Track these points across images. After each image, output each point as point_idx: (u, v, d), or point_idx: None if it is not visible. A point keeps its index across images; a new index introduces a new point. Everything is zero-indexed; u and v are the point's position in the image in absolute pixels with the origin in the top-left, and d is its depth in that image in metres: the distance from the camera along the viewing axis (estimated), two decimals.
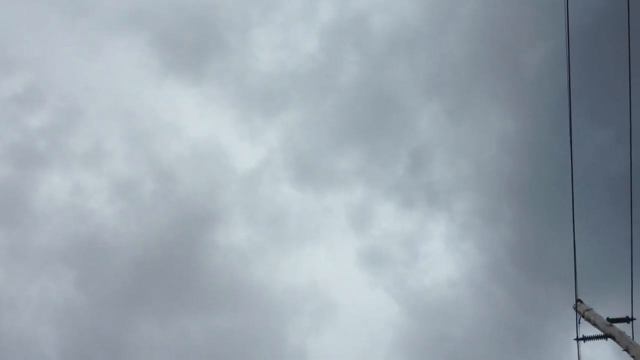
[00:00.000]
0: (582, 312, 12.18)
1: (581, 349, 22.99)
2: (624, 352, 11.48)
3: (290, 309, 28.56)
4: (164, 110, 29.62)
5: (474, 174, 28.52)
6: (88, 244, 28.08)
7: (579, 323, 12.36)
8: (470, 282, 27.52)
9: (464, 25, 28.37)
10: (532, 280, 25.49)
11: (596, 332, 12.87)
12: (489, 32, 27.54)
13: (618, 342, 11.35)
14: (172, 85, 29.51)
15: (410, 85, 29.28)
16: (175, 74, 29.45)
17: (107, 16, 29.64)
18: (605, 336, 11.97)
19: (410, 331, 27.63)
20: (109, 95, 29.71)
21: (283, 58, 29.73)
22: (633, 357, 10.68)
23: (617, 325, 11.82)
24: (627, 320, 11.85)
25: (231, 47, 29.62)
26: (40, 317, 27.01)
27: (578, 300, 12.28)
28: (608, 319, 11.88)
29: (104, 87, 29.63)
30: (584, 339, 12.52)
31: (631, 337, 11.20)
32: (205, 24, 29.61)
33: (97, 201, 28.64)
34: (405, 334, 27.61)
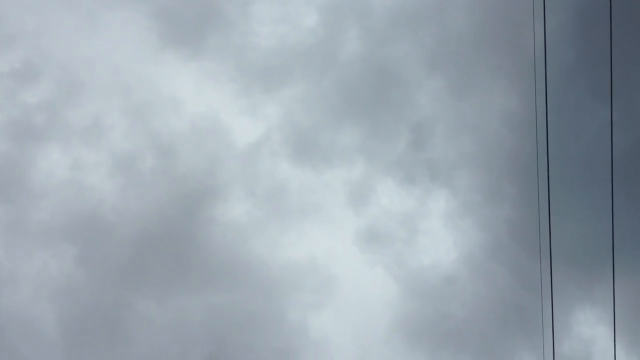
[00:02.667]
0: None
1: (582, 328, 22.99)
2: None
3: (290, 285, 28.57)
4: (163, 84, 29.33)
5: (476, 150, 28.29)
6: (88, 220, 28.05)
7: None
8: (470, 260, 27.42)
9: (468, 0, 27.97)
10: (533, 259, 25.33)
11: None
12: (493, 7, 27.14)
13: None
14: (171, 60, 29.19)
15: (412, 60, 28.92)
16: (175, 48, 29.14)
17: None
18: None
19: (409, 310, 27.61)
20: (108, 70, 29.47)
21: (283, 33, 29.38)
22: None
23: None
24: None
25: (231, 22, 29.27)
26: (40, 294, 27.09)
27: None
28: None
29: (103, 61, 29.34)
30: None
31: None
32: None
33: (96, 176, 28.56)
34: (405, 313, 27.59)
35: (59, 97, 28.58)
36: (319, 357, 27.53)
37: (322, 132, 29.33)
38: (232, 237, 28.59)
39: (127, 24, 29.04)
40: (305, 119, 29.30)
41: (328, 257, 28.60)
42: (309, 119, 29.32)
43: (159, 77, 29.33)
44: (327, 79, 29.37)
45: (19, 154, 28.12)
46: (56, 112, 28.50)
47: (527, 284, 25.55)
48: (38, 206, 27.79)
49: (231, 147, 29.08)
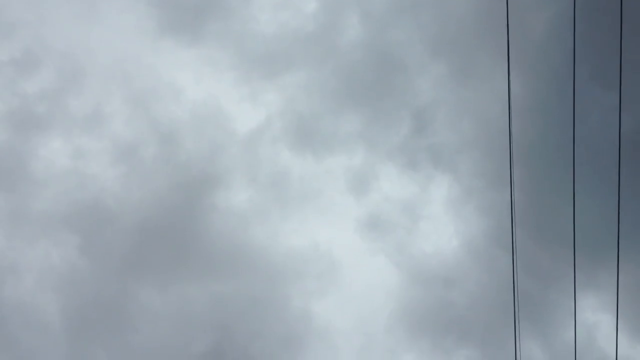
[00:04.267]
0: None
1: (585, 314, 22.88)
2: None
3: (293, 272, 28.49)
4: (164, 72, 29.15)
5: (479, 135, 28.11)
6: (89, 209, 27.95)
7: None
8: (472, 247, 27.30)
9: None
10: (536, 244, 25.24)
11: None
12: None
13: None
14: (171, 47, 29.00)
15: (414, 45, 28.69)
16: (174, 35, 28.94)
17: None
18: None
19: (412, 298, 27.52)
20: (108, 58, 29.30)
21: (284, 19, 29.15)
22: None
23: None
24: None
25: (231, 8, 29.05)
26: (42, 283, 27.04)
27: None
28: None
29: (103, 49, 29.16)
30: None
31: None
32: None
33: (97, 165, 28.46)
34: (407, 301, 27.50)
35: (59, 86, 28.47)
36: (323, 344, 27.51)
37: (324, 119, 29.18)
38: (234, 225, 28.54)
39: (126, 12, 28.90)
40: (307, 106, 29.15)
41: (330, 244, 28.53)
42: (311, 106, 29.17)
43: (159, 65, 29.18)
44: (328, 65, 29.20)
45: (20, 143, 28.04)
46: (56, 101, 28.40)
47: (530, 270, 25.44)
48: (40, 195, 27.72)
49: (232, 134, 28.96)
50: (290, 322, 27.67)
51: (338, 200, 29.02)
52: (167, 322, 27.22)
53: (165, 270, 28.01)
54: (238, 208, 28.52)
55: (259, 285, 28.07)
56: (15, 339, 25.79)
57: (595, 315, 23.89)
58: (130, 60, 29.17)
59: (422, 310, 27.27)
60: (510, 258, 25.95)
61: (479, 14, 27.30)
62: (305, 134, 29.14)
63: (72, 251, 27.31)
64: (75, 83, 28.74)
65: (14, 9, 28.51)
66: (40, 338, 26.18)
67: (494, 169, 27.26)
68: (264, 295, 27.92)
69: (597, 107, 17.57)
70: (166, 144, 28.74)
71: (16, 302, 26.25)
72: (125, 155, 28.58)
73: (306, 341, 27.47)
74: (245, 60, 29.15)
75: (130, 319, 26.99)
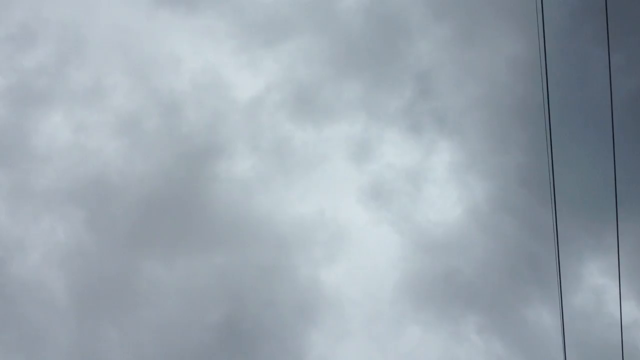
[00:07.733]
0: None
1: (594, 279, 22.69)
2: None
3: (300, 240, 28.38)
4: (163, 43, 28.89)
5: (484, 97, 27.73)
6: (93, 183, 27.88)
7: None
8: (478, 212, 27.07)
9: None
10: (543, 206, 24.99)
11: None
12: None
13: None
14: (169, 17, 28.67)
15: (416, 7, 28.20)
16: (172, 4, 28.61)
17: None
18: None
19: (419, 266, 27.39)
20: (106, 31, 29.06)
21: None
22: None
23: None
24: None
25: None
26: (48, 259, 27.05)
27: None
28: None
29: (100, 21, 28.91)
30: None
31: None
32: None
33: (100, 138, 28.33)
34: (415, 269, 27.38)
35: (58, 60, 28.30)
36: (334, 311, 27.49)
37: (325, 85, 28.85)
38: (238, 194, 28.41)
39: None
40: (307, 72, 28.83)
41: (335, 212, 28.37)
42: (311, 72, 28.84)
43: (158, 36, 28.91)
44: (328, 30, 28.81)
45: (21, 119, 27.94)
46: (56, 75, 28.25)
47: (537, 233, 25.22)
48: (43, 171, 27.67)
49: (233, 103, 28.73)
50: (301, 290, 27.64)
51: (341, 168, 28.81)
52: (177, 295, 27.25)
53: (172, 242, 28.00)
54: (241, 177, 28.40)
55: (267, 254, 28.01)
56: (23, 315, 25.92)
57: (602, 279, 23.71)
58: (129, 32, 28.93)
59: (429, 277, 27.18)
60: (515, 222, 25.78)
61: None
62: (306, 101, 28.87)
63: (77, 226, 27.34)
64: (74, 56, 28.60)
65: None
66: (48, 314, 26.28)
67: (499, 131, 26.95)
68: (272, 264, 27.87)
69: (600, 68, 17.19)
70: (167, 115, 28.61)
71: (23, 279, 26.33)
72: (127, 127, 28.46)
73: (317, 309, 27.48)
74: (244, 28, 28.85)
75: (139, 292, 27.04)
